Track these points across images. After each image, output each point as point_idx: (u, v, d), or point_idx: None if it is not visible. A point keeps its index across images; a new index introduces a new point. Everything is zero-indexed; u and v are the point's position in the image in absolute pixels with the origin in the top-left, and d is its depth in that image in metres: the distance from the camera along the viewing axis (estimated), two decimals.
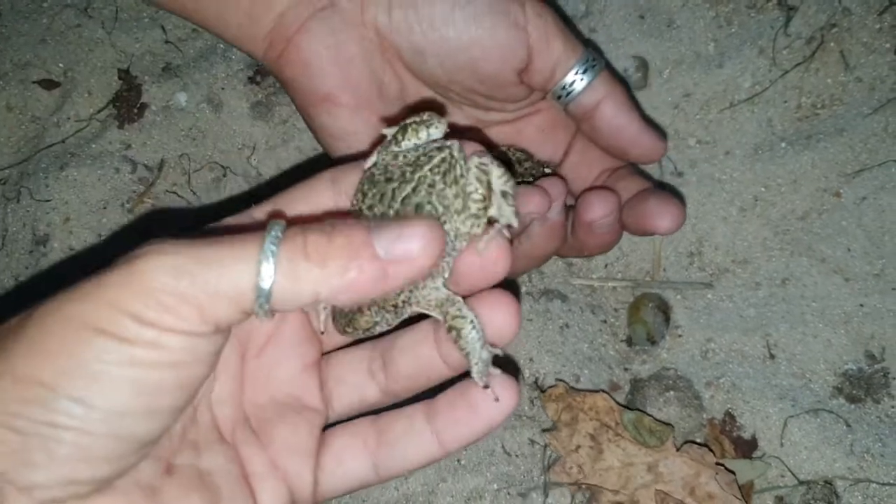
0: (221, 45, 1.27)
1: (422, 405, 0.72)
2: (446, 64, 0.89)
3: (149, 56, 1.28)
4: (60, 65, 1.28)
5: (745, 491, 0.99)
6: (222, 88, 1.25)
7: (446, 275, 0.70)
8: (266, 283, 0.57)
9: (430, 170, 0.69)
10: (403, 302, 0.70)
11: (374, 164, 0.71)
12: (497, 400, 0.69)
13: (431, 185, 0.68)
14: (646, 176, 1.01)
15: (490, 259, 0.69)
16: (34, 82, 1.27)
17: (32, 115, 1.26)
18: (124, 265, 0.57)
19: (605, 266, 1.17)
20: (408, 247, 0.58)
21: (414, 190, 0.68)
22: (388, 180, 0.69)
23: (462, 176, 0.69)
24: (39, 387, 0.56)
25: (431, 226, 0.59)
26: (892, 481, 0.98)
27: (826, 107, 1.20)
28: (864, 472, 0.99)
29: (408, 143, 0.72)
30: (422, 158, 0.69)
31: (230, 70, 1.25)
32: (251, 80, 1.25)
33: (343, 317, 0.70)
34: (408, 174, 0.69)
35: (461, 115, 0.98)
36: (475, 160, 0.70)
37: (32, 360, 0.57)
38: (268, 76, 1.25)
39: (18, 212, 1.20)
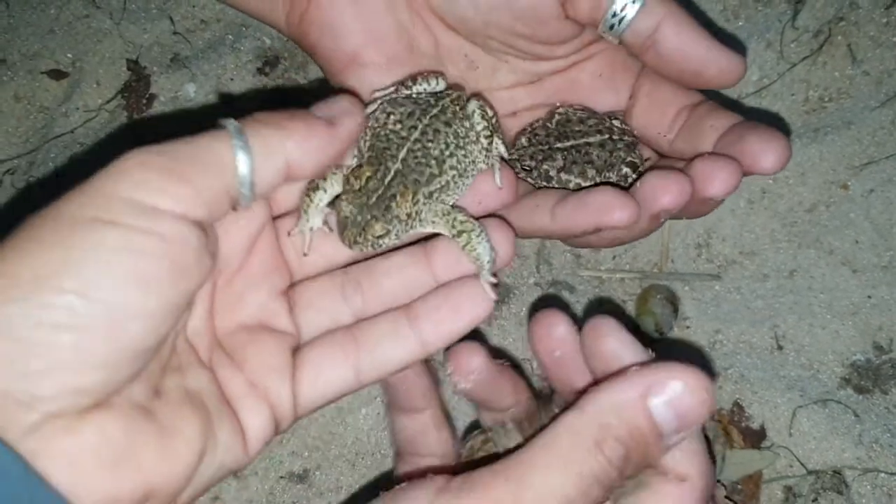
0: (230, 36, 1.27)
1: (400, 311, 0.75)
2: (480, 3, 0.83)
3: (157, 47, 1.28)
4: (69, 55, 1.28)
5: (755, 480, 1.00)
6: (231, 79, 1.25)
7: (458, 195, 0.78)
8: (243, 156, 0.63)
9: (447, 104, 0.80)
10: (417, 213, 0.74)
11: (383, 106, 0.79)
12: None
13: (454, 114, 0.79)
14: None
15: (505, 184, 0.80)
16: (42, 73, 1.27)
17: (41, 105, 1.26)
18: (111, 166, 0.60)
19: (614, 258, 1.17)
20: (341, 105, 0.71)
21: (434, 116, 0.78)
22: (410, 115, 0.77)
23: (469, 115, 0.81)
24: (36, 282, 0.55)
25: (350, 97, 0.72)
26: None
27: (833, 100, 1.20)
28: (873, 461, 1.00)
29: (417, 88, 0.82)
30: (432, 101, 0.80)
31: (239, 61, 1.25)
32: (260, 70, 1.25)
33: (355, 226, 0.72)
34: (428, 109, 0.78)
35: (507, 70, 0.91)
36: (474, 103, 0.81)
37: (28, 256, 0.56)
38: (276, 67, 1.25)
39: (27, 202, 1.20)
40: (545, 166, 0.92)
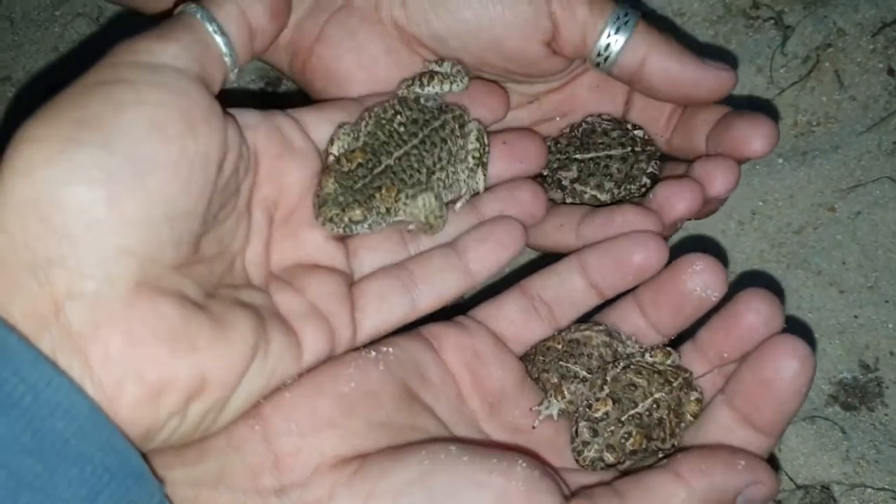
0: None
1: (447, 246, 0.82)
2: (470, 48, 0.87)
3: None
4: (73, 74, 1.30)
5: None
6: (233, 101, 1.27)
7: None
8: (204, 11, 0.70)
9: (449, 120, 0.83)
10: (395, 211, 0.78)
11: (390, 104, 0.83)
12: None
13: (452, 131, 0.82)
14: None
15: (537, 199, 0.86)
16: (45, 91, 1.29)
17: None
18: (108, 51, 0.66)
19: None
20: None
21: (434, 129, 0.81)
22: (414, 122, 0.81)
23: (466, 134, 0.84)
24: (58, 140, 0.57)
25: None
26: (886, 486, 1.01)
27: (821, 124, 1.24)
28: (860, 477, 1.02)
29: (431, 89, 0.84)
30: (436, 113, 0.83)
31: (241, 82, 1.28)
32: (262, 91, 1.27)
33: (336, 205, 0.75)
34: (431, 121, 0.82)
35: None
36: (475, 124, 0.84)
37: (45, 121, 0.59)
38: (279, 87, 1.27)
39: None
40: (559, 175, 0.94)
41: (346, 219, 0.75)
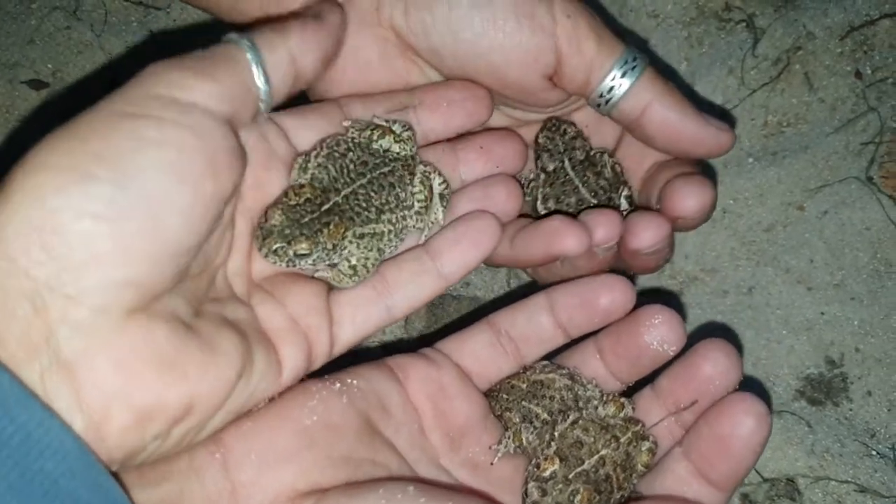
0: None
1: (420, 249, 0.82)
2: (466, 69, 0.84)
3: (138, 59, 1.30)
4: (49, 66, 1.30)
5: None
6: None
7: (389, 250, 0.81)
8: (253, 53, 0.68)
9: (397, 167, 0.81)
10: (340, 249, 0.76)
11: (342, 139, 0.80)
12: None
13: (401, 178, 0.81)
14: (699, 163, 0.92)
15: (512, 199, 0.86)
16: (22, 82, 1.28)
17: (20, 114, 1.28)
18: (139, 73, 0.64)
19: None
20: (322, 4, 0.78)
21: (383, 173, 0.80)
22: (364, 164, 0.80)
23: (411, 181, 0.82)
24: (75, 172, 0.56)
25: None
26: (849, 479, 1.04)
27: (791, 125, 1.26)
28: (824, 470, 1.04)
29: (381, 144, 0.81)
30: (388, 160, 0.81)
31: None
32: None
33: (282, 237, 0.73)
34: (380, 165, 0.80)
35: (499, 115, 0.92)
36: (421, 168, 0.82)
37: (65, 149, 0.58)
38: None
39: None
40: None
41: (290, 252, 0.73)
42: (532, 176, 0.95)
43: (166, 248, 0.60)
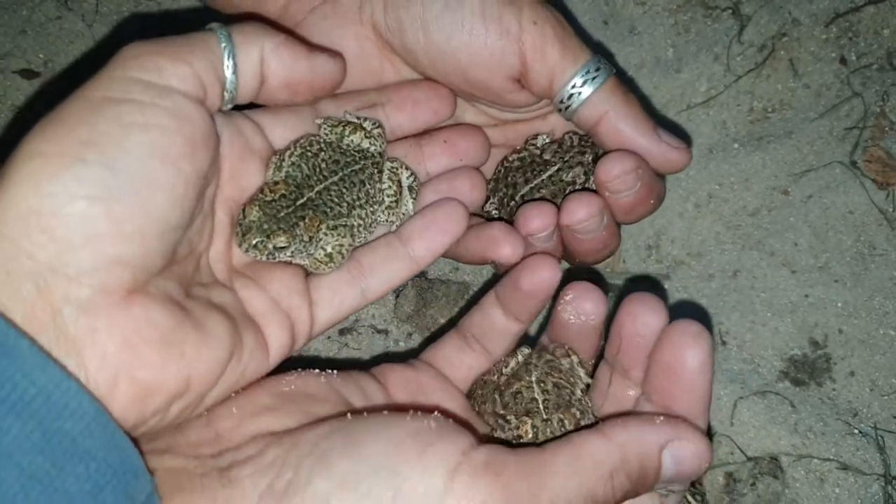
0: None
1: (391, 236, 0.86)
2: (437, 67, 0.87)
3: None
4: (41, 55, 1.31)
5: None
6: None
7: (359, 242, 0.84)
8: (227, 44, 0.71)
9: (367, 166, 0.84)
10: (317, 241, 0.80)
11: (314, 139, 0.83)
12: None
13: (371, 175, 0.84)
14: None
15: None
16: (14, 72, 1.29)
17: (12, 104, 1.29)
18: (115, 56, 0.66)
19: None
20: (330, 51, 0.80)
21: (354, 171, 0.83)
22: (336, 162, 0.83)
23: (380, 178, 0.86)
24: (64, 157, 0.59)
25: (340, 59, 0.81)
26: (831, 457, 1.06)
27: (776, 111, 1.28)
28: (807, 448, 1.06)
29: (352, 139, 0.85)
30: (357, 157, 0.84)
31: None
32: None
33: (261, 232, 0.76)
34: (351, 164, 0.84)
35: (474, 112, 0.95)
36: (389, 164, 0.86)
37: (52, 135, 0.61)
38: None
39: None
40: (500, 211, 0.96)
41: (269, 246, 0.76)
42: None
43: (156, 226, 0.63)
